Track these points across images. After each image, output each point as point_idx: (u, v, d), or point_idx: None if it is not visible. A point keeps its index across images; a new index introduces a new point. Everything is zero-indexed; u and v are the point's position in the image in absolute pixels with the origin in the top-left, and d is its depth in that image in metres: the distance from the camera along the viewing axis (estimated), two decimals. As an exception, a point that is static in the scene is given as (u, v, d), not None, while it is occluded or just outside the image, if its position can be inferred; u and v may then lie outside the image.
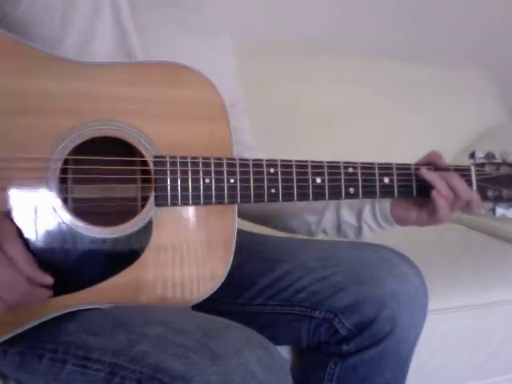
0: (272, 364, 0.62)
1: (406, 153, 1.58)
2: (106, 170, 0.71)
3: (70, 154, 0.70)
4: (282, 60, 1.61)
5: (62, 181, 0.71)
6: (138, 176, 0.75)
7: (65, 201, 0.70)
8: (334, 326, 0.82)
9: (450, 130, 1.72)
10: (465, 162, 0.90)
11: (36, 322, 0.68)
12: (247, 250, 0.85)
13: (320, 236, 0.98)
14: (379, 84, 1.70)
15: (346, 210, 0.92)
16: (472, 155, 0.90)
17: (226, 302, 0.83)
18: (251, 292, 0.87)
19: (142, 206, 0.73)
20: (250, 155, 0.98)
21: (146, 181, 0.73)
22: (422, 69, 1.78)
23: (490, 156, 0.89)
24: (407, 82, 1.73)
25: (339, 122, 1.62)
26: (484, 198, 0.88)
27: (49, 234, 0.68)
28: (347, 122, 1.63)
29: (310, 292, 0.83)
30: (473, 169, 0.88)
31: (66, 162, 0.70)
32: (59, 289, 0.69)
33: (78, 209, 0.73)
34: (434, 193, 0.82)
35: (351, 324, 0.81)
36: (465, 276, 1.20)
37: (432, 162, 0.86)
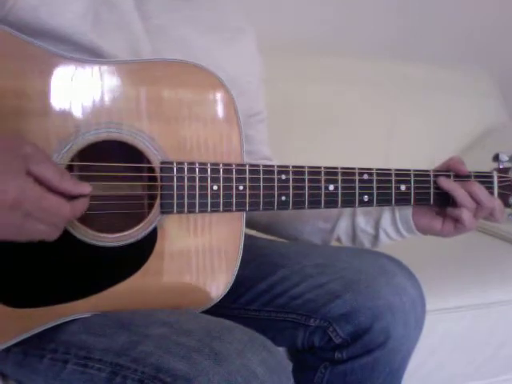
0: (275, 365, 0.62)
1: (405, 153, 1.61)
2: (111, 176, 0.69)
3: (73, 159, 0.67)
4: (282, 60, 1.61)
5: None
6: (145, 182, 0.73)
7: None
8: (327, 334, 0.81)
9: (449, 129, 1.72)
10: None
11: (41, 329, 0.68)
12: (248, 254, 0.83)
13: (333, 244, 0.96)
14: (379, 84, 1.70)
15: (362, 217, 0.90)
16: (496, 158, 0.85)
17: (222, 306, 0.81)
18: (247, 297, 0.86)
19: (149, 212, 0.71)
20: None
21: (153, 186, 0.71)
22: (422, 69, 1.78)
23: None
24: (407, 82, 1.73)
25: (339, 122, 1.62)
26: (505, 204, 0.84)
27: (53, 241, 0.65)
28: (347, 122, 1.63)
29: (306, 299, 0.82)
30: (495, 175, 0.84)
31: (69, 166, 0.67)
32: (64, 296, 0.68)
33: (83, 214, 0.70)
34: (457, 202, 0.80)
35: (345, 333, 0.80)
36: (465, 276, 1.20)
37: (453, 169, 0.83)
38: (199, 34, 0.84)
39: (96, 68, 0.69)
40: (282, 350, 0.89)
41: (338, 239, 0.94)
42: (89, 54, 0.73)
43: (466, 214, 0.79)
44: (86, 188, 0.62)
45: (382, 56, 1.79)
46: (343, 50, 1.72)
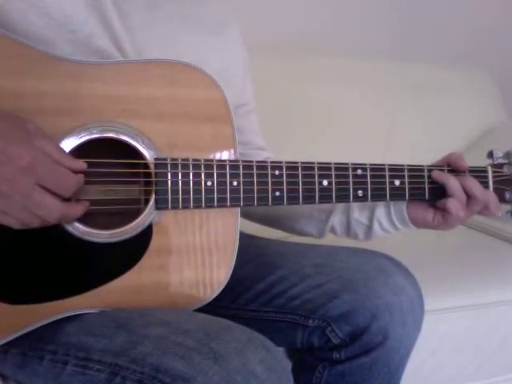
0: (274, 365, 0.62)
1: (405, 153, 1.61)
2: (107, 173, 0.70)
3: None
4: (282, 60, 1.61)
5: None
6: (141, 178, 0.74)
7: None
8: (326, 334, 0.81)
9: (449, 130, 1.72)
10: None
11: (36, 326, 0.68)
12: (247, 254, 0.84)
13: (329, 236, 0.95)
14: (379, 84, 1.71)
15: (357, 208, 0.90)
16: (490, 154, 0.86)
17: (220, 306, 0.82)
18: (246, 296, 0.86)
19: (145, 209, 0.71)
20: (262, 156, 0.97)
21: (148, 183, 0.72)
22: (422, 69, 1.78)
23: (509, 155, 0.85)
24: (407, 82, 1.73)
25: (339, 122, 1.62)
26: (501, 200, 0.84)
27: (48, 237, 0.67)
28: (347, 122, 1.63)
29: (304, 299, 0.82)
30: (490, 170, 0.85)
31: None
32: (60, 292, 0.69)
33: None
34: (446, 194, 0.80)
35: (344, 334, 0.80)
36: (465, 276, 1.20)
37: (452, 164, 0.83)
38: (184, 30, 0.84)
39: (89, 68, 0.70)
40: (281, 349, 0.89)
41: (333, 230, 0.94)
42: (80, 54, 0.73)
43: (452, 202, 0.79)
44: (81, 164, 0.64)
45: (382, 56, 1.79)
46: (343, 50, 1.72)
